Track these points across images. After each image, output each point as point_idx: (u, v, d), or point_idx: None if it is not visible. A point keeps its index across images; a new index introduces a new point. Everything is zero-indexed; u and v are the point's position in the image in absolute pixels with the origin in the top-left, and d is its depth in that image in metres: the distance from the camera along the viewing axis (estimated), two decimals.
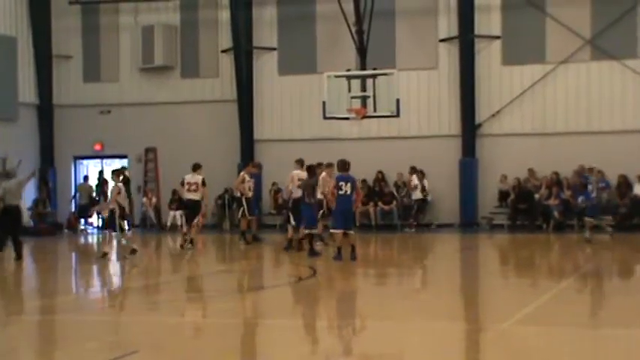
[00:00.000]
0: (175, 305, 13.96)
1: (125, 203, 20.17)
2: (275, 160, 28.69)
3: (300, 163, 21.45)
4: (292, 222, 21.10)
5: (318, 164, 20.89)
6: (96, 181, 31.33)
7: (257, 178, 24.27)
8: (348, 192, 18.44)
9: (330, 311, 13.22)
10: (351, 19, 25.79)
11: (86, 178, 32.01)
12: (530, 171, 28.24)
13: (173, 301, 14.44)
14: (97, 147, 32.29)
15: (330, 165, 19.68)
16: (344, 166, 18.67)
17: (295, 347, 10.56)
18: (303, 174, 20.82)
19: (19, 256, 19.62)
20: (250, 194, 23.13)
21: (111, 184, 21.47)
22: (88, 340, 10.86)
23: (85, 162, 33.04)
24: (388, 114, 23.43)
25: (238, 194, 23.34)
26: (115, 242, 21.00)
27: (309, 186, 20.00)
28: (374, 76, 23.26)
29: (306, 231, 19.90)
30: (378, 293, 15.47)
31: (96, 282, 18.13)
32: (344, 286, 16.56)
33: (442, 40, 29.18)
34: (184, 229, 22.69)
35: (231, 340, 11.14)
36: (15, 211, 20.10)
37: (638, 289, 16.21)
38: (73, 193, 32.45)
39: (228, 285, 16.75)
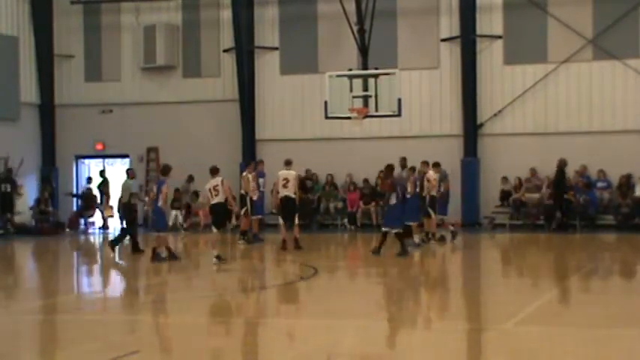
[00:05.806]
0: (175, 305, 13.96)
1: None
2: (277, 160, 28.58)
3: (287, 163, 22.06)
4: (281, 221, 21.61)
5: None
6: (98, 181, 31.21)
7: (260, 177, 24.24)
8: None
9: (330, 310, 13.19)
10: (353, 18, 25.73)
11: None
12: (532, 171, 28.18)
13: (173, 301, 14.43)
14: (99, 147, 32.20)
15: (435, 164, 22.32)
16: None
17: (296, 346, 10.55)
18: (288, 173, 21.58)
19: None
20: (255, 195, 23.12)
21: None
22: (88, 340, 10.85)
23: (86, 162, 32.98)
24: (390, 114, 23.38)
25: (243, 192, 23.49)
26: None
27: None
28: (375, 76, 23.21)
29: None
30: (379, 293, 15.46)
31: (96, 282, 18.12)
32: (345, 285, 16.55)
33: (444, 40, 29.12)
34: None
35: (231, 339, 11.13)
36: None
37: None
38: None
39: (228, 284, 16.74)
